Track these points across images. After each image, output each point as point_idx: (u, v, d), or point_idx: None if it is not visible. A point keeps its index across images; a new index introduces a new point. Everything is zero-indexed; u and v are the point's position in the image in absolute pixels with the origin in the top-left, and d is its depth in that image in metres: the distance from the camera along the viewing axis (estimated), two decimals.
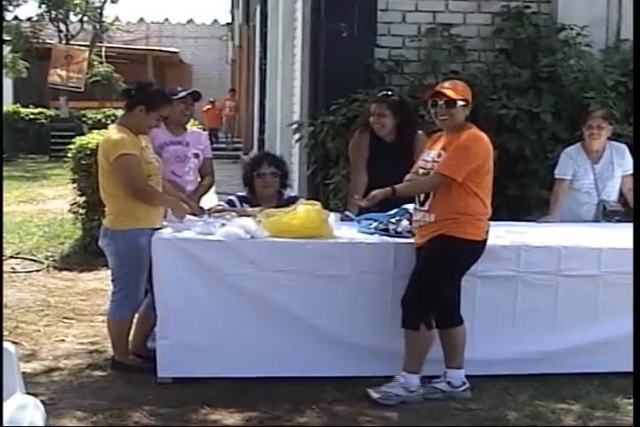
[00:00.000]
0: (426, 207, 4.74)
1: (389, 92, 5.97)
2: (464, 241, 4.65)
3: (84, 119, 22.93)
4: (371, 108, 5.90)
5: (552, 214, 6.20)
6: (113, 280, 5.23)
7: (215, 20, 34.18)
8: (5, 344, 3.55)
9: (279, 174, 5.79)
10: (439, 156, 4.70)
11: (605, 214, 6.19)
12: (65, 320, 6.51)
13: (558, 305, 5.13)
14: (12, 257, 8.89)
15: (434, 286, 4.73)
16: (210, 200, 6.49)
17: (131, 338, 5.34)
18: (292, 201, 5.65)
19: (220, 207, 5.70)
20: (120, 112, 18.47)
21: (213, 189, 6.32)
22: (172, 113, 5.83)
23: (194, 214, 5.30)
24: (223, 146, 22.27)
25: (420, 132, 5.92)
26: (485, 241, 4.77)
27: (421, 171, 4.81)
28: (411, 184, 4.83)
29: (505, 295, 5.10)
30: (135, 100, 5.09)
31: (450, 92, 4.73)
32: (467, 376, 4.89)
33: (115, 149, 4.96)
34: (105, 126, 11.02)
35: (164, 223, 5.19)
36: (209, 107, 25.25)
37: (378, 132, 5.88)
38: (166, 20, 34.04)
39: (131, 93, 5.15)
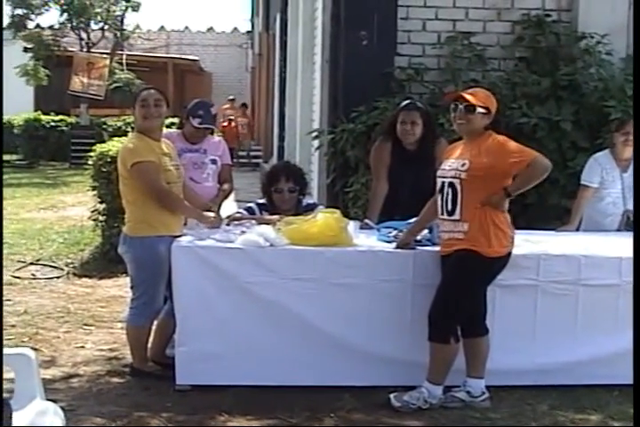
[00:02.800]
0: (456, 216, 4.72)
1: (413, 101, 5.99)
2: (492, 259, 4.67)
3: (104, 127, 23.05)
4: (400, 116, 5.86)
5: (572, 222, 6.14)
6: (132, 287, 5.25)
7: (235, 28, 34.27)
8: (25, 350, 3.58)
9: (297, 189, 5.77)
10: (463, 165, 4.69)
11: (629, 224, 6.11)
12: (84, 327, 6.53)
13: (578, 315, 5.11)
14: (32, 264, 8.94)
15: (461, 300, 4.73)
16: (229, 207, 6.51)
17: (149, 345, 5.35)
18: (311, 208, 5.66)
19: (240, 215, 5.71)
20: None
21: (232, 196, 6.33)
22: (186, 129, 5.90)
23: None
24: (242, 153, 22.11)
25: (442, 139, 5.92)
26: (511, 252, 4.77)
27: (440, 180, 4.80)
28: (520, 179, 4.70)
29: (524, 305, 5.08)
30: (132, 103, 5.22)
31: (471, 98, 4.74)
32: (486, 386, 4.87)
33: (130, 156, 5.01)
34: (125, 134, 11.09)
35: (184, 231, 5.21)
36: (225, 124, 21.82)
37: (406, 141, 5.87)
38: (186, 28, 34.16)
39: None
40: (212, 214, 5.31)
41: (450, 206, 4.74)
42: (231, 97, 24.42)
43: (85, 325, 6.60)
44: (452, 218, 4.73)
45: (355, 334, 4.98)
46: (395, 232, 5.26)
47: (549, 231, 6.07)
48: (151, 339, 5.35)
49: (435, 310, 4.71)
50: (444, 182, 4.78)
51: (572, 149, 7.16)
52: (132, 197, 5.11)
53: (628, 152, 6.07)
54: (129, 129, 20.59)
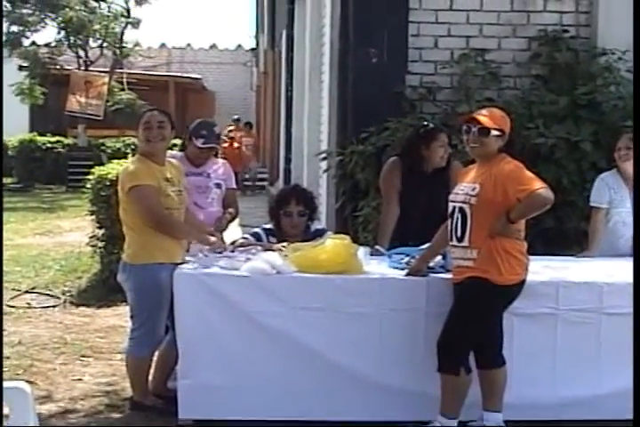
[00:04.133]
0: (465, 243, 4.73)
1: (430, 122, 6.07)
2: (503, 287, 4.67)
3: (102, 148, 23.16)
4: (436, 138, 5.92)
5: (591, 249, 6.13)
6: (132, 317, 5.26)
7: (239, 46, 34.47)
8: (20, 384, 3.58)
9: (307, 213, 5.80)
10: (473, 189, 4.71)
11: None
12: (82, 358, 6.54)
13: (601, 345, 5.08)
14: (27, 292, 8.96)
15: (470, 329, 4.73)
16: (234, 233, 6.52)
17: (150, 378, 5.35)
18: (319, 234, 5.67)
19: (245, 241, 5.71)
20: None
21: (237, 221, 6.35)
22: (189, 151, 5.95)
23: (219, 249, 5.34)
24: (247, 176, 21.89)
25: (456, 162, 5.95)
26: (525, 280, 4.77)
27: (451, 205, 4.82)
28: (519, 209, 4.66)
29: (544, 334, 5.07)
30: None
31: (485, 120, 4.75)
32: (504, 421, 4.85)
33: (129, 179, 5.04)
34: (125, 156, 11.14)
35: (187, 258, 5.22)
36: (226, 145, 20.33)
37: (435, 165, 5.93)
38: (188, 45, 34.37)
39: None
40: (214, 238, 5.33)
41: (459, 232, 4.75)
42: (236, 117, 24.03)
43: (83, 356, 6.60)
44: (462, 244, 4.75)
45: (365, 366, 4.97)
46: (407, 259, 5.26)
47: (569, 257, 6.06)
48: (152, 371, 5.35)
49: (443, 339, 4.72)
50: (454, 207, 4.80)
51: (592, 170, 7.16)
52: (133, 222, 5.13)
53: (630, 167, 6.08)
54: (129, 151, 20.71)
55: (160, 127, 5.15)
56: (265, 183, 21.37)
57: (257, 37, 29.81)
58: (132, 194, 5.02)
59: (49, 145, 23.87)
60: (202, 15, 60.73)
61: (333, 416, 4.96)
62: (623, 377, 5.00)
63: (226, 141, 20.23)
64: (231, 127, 22.64)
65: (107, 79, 23.81)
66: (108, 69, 25.06)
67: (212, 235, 5.39)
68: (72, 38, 24.36)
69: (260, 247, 5.41)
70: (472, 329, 4.72)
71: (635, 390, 3.92)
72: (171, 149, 5.55)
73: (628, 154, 6.07)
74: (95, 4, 24.55)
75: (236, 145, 21.52)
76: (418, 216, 5.84)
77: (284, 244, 5.45)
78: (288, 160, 15.81)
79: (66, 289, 9.10)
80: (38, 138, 24.07)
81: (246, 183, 21.36)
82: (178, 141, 6.60)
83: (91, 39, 25.03)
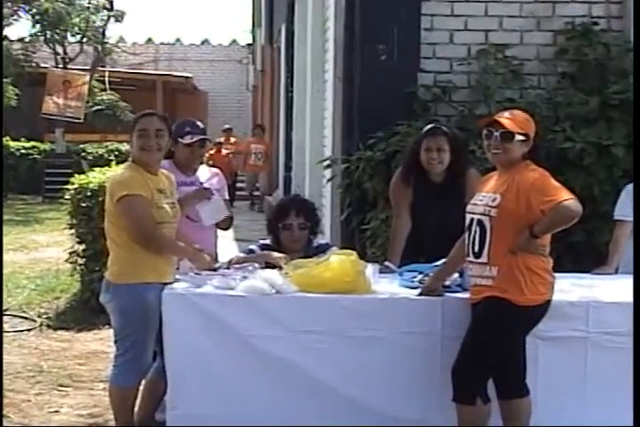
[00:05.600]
0: (483, 259, 4.75)
1: (437, 125, 6.04)
2: (525, 308, 4.67)
3: (83, 155, 23.20)
4: (423, 142, 5.89)
5: (610, 264, 6.13)
6: (116, 342, 5.25)
7: (234, 41, 34.60)
8: None
9: (308, 226, 5.82)
10: (493, 200, 4.72)
11: None
12: (60, 388, 6.54)
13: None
14: None
15: (488, 355, 4.73)
16: (228, 248, 6.54)
17: (137, 409, 5.34)
18: (322, 250, 5.67)
19: (242, 257, 5.72)
20: (126, 147, 18.69)
21: (232, 235, 6.38)
22: (178, 155, 5.97)
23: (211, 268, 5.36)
24: (242, 185, 21.71)
25: (472, 170, 5.96)
26: (550, 300, 4.78)
27: (469, 217, 4.84)
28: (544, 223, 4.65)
29: (572, 359, 5.07)
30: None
31: (508, 123, 4.76)
32: None
33: (119, 188, 5.04)
34: (107, 163, 11.17)
35: (177, 276, 5.24)
36: (213, 152, 20.43)
37: (433, 171, 5.90)
38: (178, 40, 34.51)
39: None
40: (208, 258, 5.34)
41: (477, 247, 4.77)
42: (227, 126, 23.27)
43: (61, 386, 6.60)
44: (480, 261, 4.76)
45: (373, 396, 4.98)
46: (420, 276, 5.27)
47: (585, 273, 6.03)
48: (138, 401, 5.36)
49: (458, 365, 4.72)
50: (472, 219, 4.81)
51: (625, 177, 7.17)
52: (119, 236, 5.13)
53: None
54: (112, 157, 20.77)
55: (157, 136, 5.14)
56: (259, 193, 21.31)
57: (253, 32, 29.89)
58: (121, 204, 5.02)
59: (23, 151, 23.94)
60: (192, 7, 60.93)
61: None
62: None
63: (212, 148, 19.86)
64: (221, 139, 22.05)
65: (87, 78, 23.89)
66: (88, 67, 25.16)
67: (201, 251, 5.39)
68: (48, 33, 24.46)
69: (257, 264, 5.41)
70: (489, 355, 4.73)
71: (635, 392, 3.93)
72: None
73: None
74: None
75: (224, 152, 21.21)
76: (431, 230, 5.84)
77: (284, 255, 5.47)
78: (288, 168, 15.86)
79: (42, 311, 9.10)
80: (11, 143, 24.09)
81: (255, 194, 21.15)
82: None
83: (69, 34, 25.12)
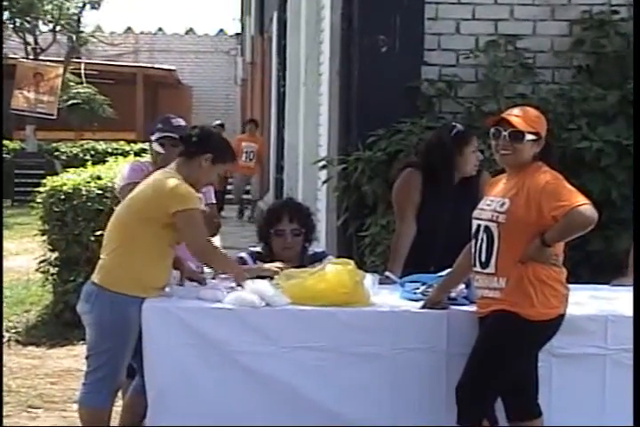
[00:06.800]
0: (491, 269, 4.76)
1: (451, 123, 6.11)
2: (536, 323, 4.68)
3: (56, 154, 23.18)
4: (470, 142, 5.95)
5: (630, 274, 6.13)
6: (88, 357, 5.23)
7: (221, 31, 34.64)
8: None
9: (303, 232, 5.82)
10: (502, 205, 4.73)
11: None
12: (30, 410, 6.53)
13: None
14: None
15: (495, 374, 4.74)
16: None
17: None
18: (318, 259, 5.70)
19: None
20: (103, 146, 18.72)
21: (218, 242, 6.38)
22: (154, 155, 5.97)
23: (194, 280, 5.38)
24: (229, 188, 21.14)
25: (484, 172, 5.99)
26: (564, 314, 4.79)
27: (475, 223, 4.85)
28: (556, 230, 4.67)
29: (589, 379, 5.07)
30: (201, 147, 5.29)
31: (518, 121, 4.77)
32: None
33: (186, 200, 5.11)
34: (83, 163, 11.17)
35: None
36: None
37: (465, 174, 5.96)
38: (160, 29, 34.52)
39: (192, 140, 5.34)
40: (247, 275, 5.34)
41: (484, 256, 4.78)
42: (218, 122, 21.84)
43: (30, 407, 6.60)
44: (487, 271, 4.77)
45: (374, 417, 4.97)
46: (423, 288, 5.28)
47: (604, 285, 6.04)
48: (116, 423, 5.35)
49: (463, 385, 4.73)
50: (479, 226, 4.82)
51: None
52: (138, 242, 5.14)
53: None
54: (88, 157, 20.76)
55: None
56: (249, 196, 21.21)
57: (242, 21, 29.94)
58: (187, 216, 5.09)
59: None
60: None
61: None
62: None
63: None
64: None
65: (61, 71, 23.86)
66: (62, 59, 25.13)
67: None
68: (18, 21, 24.42)
69: (246, 274, 5.40)
70: (499, 373, 4.74)
71: (635, 392, 3.95)
72: (138, 155, 5.59)
73: None
74: None
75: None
76: (440, 237, 5.85)
77: (277, 264, 5.48)
78: (280, 169, 15.86)
79: (10, 325, 9.07)
80: None
81: (245, 198, 20.35)
82: (147, 146, 6.63)
83: (41, 22, 25.08)
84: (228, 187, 20.21)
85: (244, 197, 20.53)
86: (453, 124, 6.18)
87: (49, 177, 9.39)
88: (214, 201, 6.28)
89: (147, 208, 5.17)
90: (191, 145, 5.31)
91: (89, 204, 8.65)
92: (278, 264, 5.47)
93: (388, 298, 5.28)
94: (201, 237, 5.17)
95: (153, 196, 5.19)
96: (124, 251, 5.17)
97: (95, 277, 5.22)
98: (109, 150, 22.08)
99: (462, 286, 5.15)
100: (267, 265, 5.56)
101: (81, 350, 7.40)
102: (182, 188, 5.15)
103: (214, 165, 5.29)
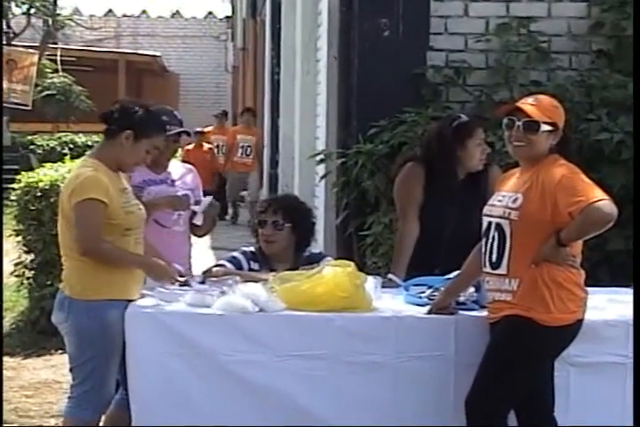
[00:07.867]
0: (502, 270, 4.78)
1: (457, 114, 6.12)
2: (552, 329, 4.69)
3: (31, 148, 23.17)
4: (475, 134, 5.95)
5: None
6: (71, 369, 5.25)
7: (210, 13, 34.62)
8: None
9: (287, 227, 5.79)
10: (514, 200, 4.74)
11: None
12: (5, 425, 6.52)
13: None
14: None
15: (508, 383, 4.75)
16: (203, 258, 6.56)
17: None
18: (315, 260, 5.71)
19: (221, 269, 5.73)
20: (82, 138, 18.68)
21: (208, 242, 6.40)
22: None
23: (182, 281, 5.37)
24: (246, 195, 19.83)
25: (494, 166, 6.00)
26: (582, 319, 4.81)
27: (486, 220, 4.87)
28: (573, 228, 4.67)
29: (609, 389, 5.09)
30: (120, 124, 5.16)
31: (532, 110, 4.78)
32: None
33: (81, 189, 5.03)
34: (61, 158, 11.17)
35: (143, 291, 5.25)
36: (190, 148, 18.37)
37: (470, 170, 5.97)
38: (144, 12, 34.52)
39: (113, 116, 5.22)
40: (170, 269, 5.32)
41: (495, 257, 4.79)
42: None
43: (4, 423, 6.59)
44: (498, 272, 4.79)
45: None
46: (428, 291, 5.29)
47: (624, 288, 6.05)
48: None
49: (473, 395, 4.75)
50: (490, 223, 4.84)
51: None
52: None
53: None
54: (65, 150, 20.78)
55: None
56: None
57: (233, 3, 29.93)
58: (80, 207, 4.99)
59: None
60: None
61: None
62: None
63: (190, 142, 18.04)
64: (211, 127, 20.29)
65: (36, 58, 23.81)
66: (37, 44, 25.10)
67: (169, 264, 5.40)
68: None
69: (238, 278, 5.41)
70: (511, 383, 4.75)
71: (635, 392, 3.98)
72: None
73: None
74: None
75: (206, 147, 18.94)
76: (445, 237, 5.87)
77: (271, 274, 5.48)
78: (274, 163, 15.86)
79: None
80: None
81: (244, 197, 19.47)
82: None
83: (13, 4, 25.05)
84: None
85: (241, 194, 19.65)
86: (458, 114, 6.19)
87: (24, 173, 9.38)
88: (202, 198, 6.29)
89: (65, 203, 5.16)
90: (112, 123, 5.21)
91: None
92: (271, 274, 5.46)
93: (392, 303, 5.29)
94: (87, 231, 5.01)
95: (65, 189, 5.20)
96: (73, 257, 5.17)
97: (64, 288, 5.22)
98: (89, 143, 22.03)
99: (472, 289, 5.16)
100: (260, 275, 5.57)
101: (59, 360, 7.44)
102: (84, 175, 5.08)
103: (138, 142, 5.16)
